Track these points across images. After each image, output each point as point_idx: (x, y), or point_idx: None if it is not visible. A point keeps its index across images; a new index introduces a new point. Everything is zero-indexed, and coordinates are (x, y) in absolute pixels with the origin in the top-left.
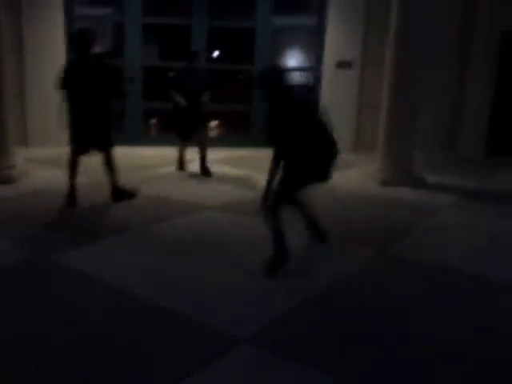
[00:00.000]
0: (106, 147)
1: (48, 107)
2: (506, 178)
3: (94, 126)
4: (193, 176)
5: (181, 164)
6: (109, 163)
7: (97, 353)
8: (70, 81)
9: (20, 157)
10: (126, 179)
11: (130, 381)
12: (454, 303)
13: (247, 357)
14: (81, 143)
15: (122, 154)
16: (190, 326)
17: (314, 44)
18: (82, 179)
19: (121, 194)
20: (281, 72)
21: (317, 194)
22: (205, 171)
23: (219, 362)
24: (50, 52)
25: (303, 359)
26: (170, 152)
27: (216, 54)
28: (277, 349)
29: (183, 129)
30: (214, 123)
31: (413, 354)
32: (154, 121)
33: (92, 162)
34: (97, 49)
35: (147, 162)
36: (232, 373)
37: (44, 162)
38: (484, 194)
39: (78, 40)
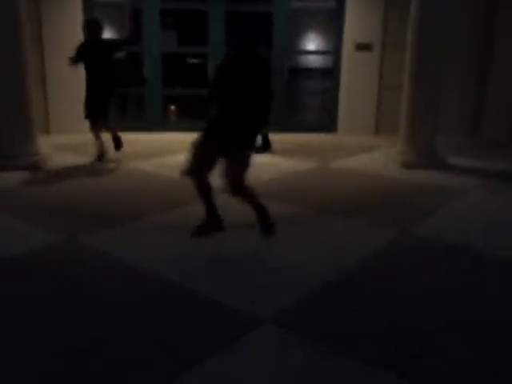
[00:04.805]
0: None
1: (69, 95)
2: None
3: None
4: None
5: None
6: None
7: (121, 333)
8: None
9: (44, 143)
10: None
11: (153, 361)
12: (476, 284)
13: (271, 338)
14: None
15: (145, 139)
16: (215, 306)
17: (333, 27)
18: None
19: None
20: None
21: (339, 176)
22: None
23: (243, 342)
24: (70, 39)
25: (328, 341)
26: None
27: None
28: (301, 331)
29: None
30: None
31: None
32: (172, 107)
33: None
34: (114, 35)
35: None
36: (256, 353)
37: (66, 149)
38: (509, 176)
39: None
